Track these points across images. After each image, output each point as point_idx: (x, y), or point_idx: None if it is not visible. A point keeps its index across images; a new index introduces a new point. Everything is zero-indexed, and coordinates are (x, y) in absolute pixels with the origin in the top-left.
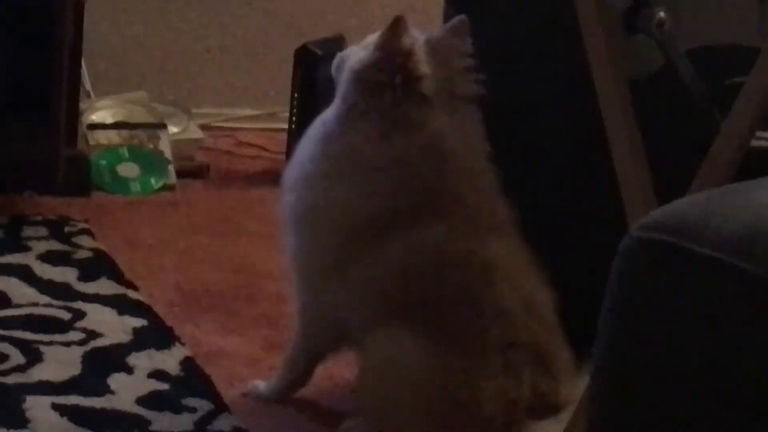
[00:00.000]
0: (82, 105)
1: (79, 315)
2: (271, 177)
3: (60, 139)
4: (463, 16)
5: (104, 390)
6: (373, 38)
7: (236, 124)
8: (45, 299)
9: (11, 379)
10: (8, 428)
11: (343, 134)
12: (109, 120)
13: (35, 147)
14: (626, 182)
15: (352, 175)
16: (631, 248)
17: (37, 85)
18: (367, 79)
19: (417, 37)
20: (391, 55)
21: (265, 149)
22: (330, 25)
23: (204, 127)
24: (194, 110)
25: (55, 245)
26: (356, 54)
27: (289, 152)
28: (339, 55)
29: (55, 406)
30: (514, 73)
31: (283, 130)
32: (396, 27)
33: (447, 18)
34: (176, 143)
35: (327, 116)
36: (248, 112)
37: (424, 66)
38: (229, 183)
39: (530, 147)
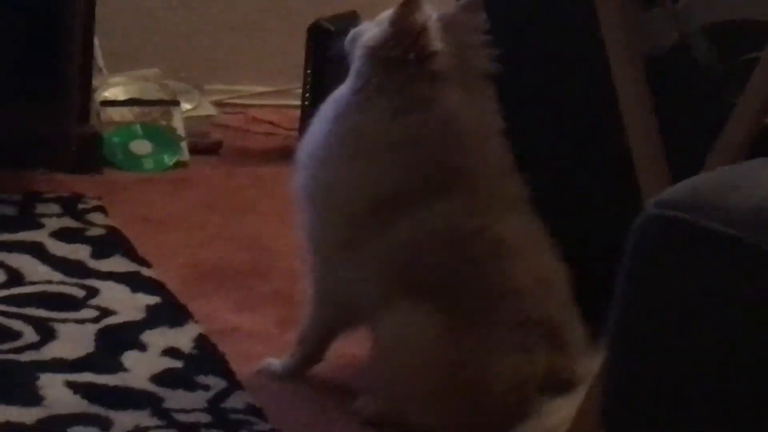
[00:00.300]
0: (95, 82)
1: (93, 292)
2: (284, 154)
3: (72, 116)
4: (477, 5)
5: (117, 368)
6: (386, 15)
7: (249, 101)
8: (58, 276)
9: (25, 357)
10: (22, 405)
11: (356, 112)
12: (122, 97)
13: (48, 124)
14: (640, 159)
15: (366, 152)
16: (646, 225)
17: (50, 62)
18: (380, 56)
19: (430, 13)
20: (405, 32)
21: (278, 126)
22: (343, 0)
23: (217, 104)
24: (207, 87)
25: (68, 222)
26: (370, 30)
27: (301, 129)
28: (352, 32)
29: (69, 384)
30: (527, 48)
31: (296, 106)
32: (409, 4)
33: None
34: (189, 120)
35: (340, 93)
36: (261, 88)
37: (437, 43)
38: (242, 160)
39: (544, 123)
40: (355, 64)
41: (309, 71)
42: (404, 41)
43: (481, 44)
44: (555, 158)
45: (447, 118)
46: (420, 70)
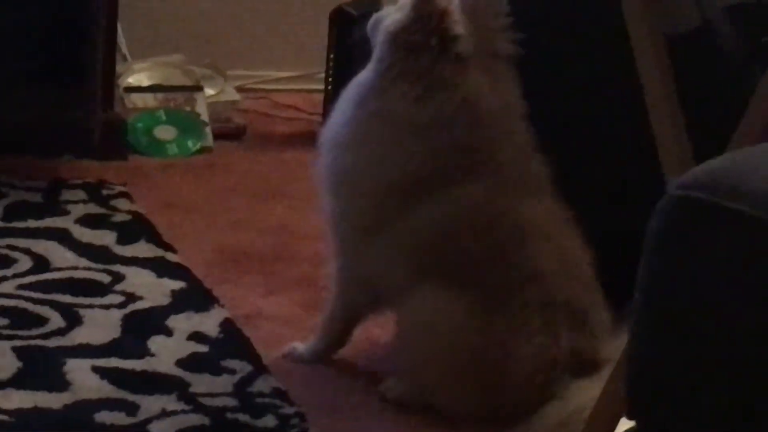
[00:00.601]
0: (119, 68)
1: (119, 278)
2: (308, 138)
3: (97, 103)
4: None
5: (144, 352)
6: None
7: (272, 86)
8: (84, 262)
9: (52, 343)
10: (49, 391)
11: (378, 96)
12: (146, 83)
13: (72, 111)
14: (663, 140)
15: (388, 136)
16: (669, 206)
17: (74, 48)
18: (402, 40)
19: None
20: (426, 16)
21: (302, 110)
22: None
23: (240, 89)
24: (230, 72)
25: (93, 208)
26: (391, 15)
27: (325, 113)
28: (374, 16)
29: (96, 369)
30: (549, 31)
31: (319, 91)
32: None
33: None
34: (213, 105)
35: (362, 78)
36: (284, 73)
37: (459, 26)
38: (265, 145)
39: (566, 105)
40: (377, 49)
41: (332, 56)
42: (426, 25)
43: (503, 27)
44: (578, 140)
45: (470, 101)
46: (442, 53)
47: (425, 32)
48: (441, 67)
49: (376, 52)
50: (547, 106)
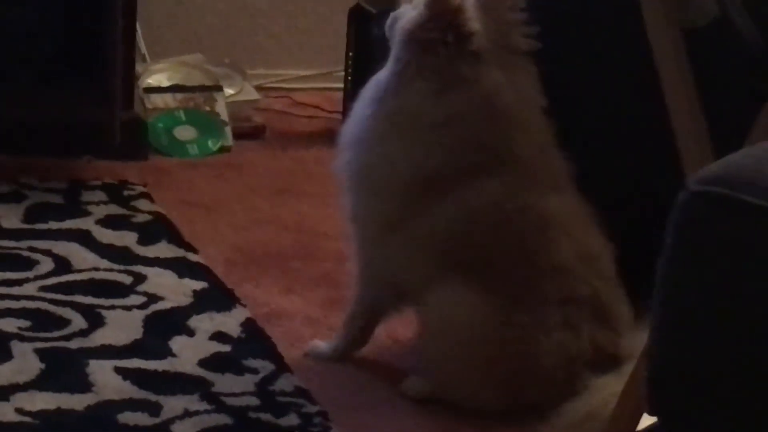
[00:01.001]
0: (138, 68)
1: (140, 278)
2: (328, 137)
3: (117, 104)
4: None
5: (166, 353)
6: None
7: (292, 85)
8: (105, 263)
9: (74, 344)
10: (72, 392)
11: (397, 93)
12: (165, 83)
13: (92, 111)
14: (682, 135)
15: (408, 133)
16: (689, 201)
17: (93, 49)
18: (418, 38)
19: None
20: (441, 13)
21: (321, 109)
22: None
23: (260, 88)
24: (250, 71)
25: (114, 209)
26: (408, 13)
27: (344, 111)
28: (392, 14)
29: (118, 370)
30: (567, 25)
31: (338, 89)
32: None
33: None
34: (232, 105)
35: (381, 76)
36: (303, 72)
37: (474, 22)
38: (285, 143)
39: (585, 99)
40: (394, 47)
41: (351, 54)
42: (441, 23)
43: (519, 22)
44: (597, 134)
45: (487, 97)
46: (458, 50)
47: (440, 29)
48: (457, 63)
49: (393, 51)
50: (567, 101)
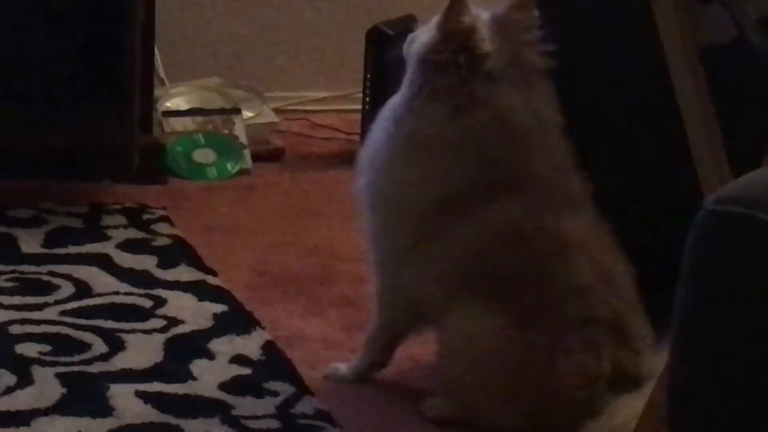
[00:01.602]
0: (157, 92)
1: (160, 302)
2: (346, 158)
3: (135, 128)
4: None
5: (187, 376)
6: (437, 19)
7: (310, 107)
8: (125, 287)
9: (94, 368)
10: (93, 417)
11: (412, 116)
12: (184, 106)
13: (111, 135)
14: (700, 154)
15: (424, 155)
16: (707, 221)
17: (111, 73)
18: (431, 60)
19: (479, 15)
20: (453, 35)
21: (339, 131)
22: (401, 3)
23: (278, 111)
24: (268, 94)
25: (133, 233)
26: (422, 35)
27: (363, 133)
28: (410, 36)
29: (139, 394)
30: (583, 43)
31: (356, 110)
32: (455, 7)
33: None
34: (251, 127)
35: (396, 99)
36: (321, 94)
37: (487, 44)
38: (304, 165)
39: (603, 118)
40: (409, 70)
41: (368, 75)
42: (453, 44)
43: (535, 41)
44: (616, 153)
45: (502, 118)
46: (471, 71)
47: (452, 51)
48: (471, 84)
49: (408, 73)
50: (584, 119)
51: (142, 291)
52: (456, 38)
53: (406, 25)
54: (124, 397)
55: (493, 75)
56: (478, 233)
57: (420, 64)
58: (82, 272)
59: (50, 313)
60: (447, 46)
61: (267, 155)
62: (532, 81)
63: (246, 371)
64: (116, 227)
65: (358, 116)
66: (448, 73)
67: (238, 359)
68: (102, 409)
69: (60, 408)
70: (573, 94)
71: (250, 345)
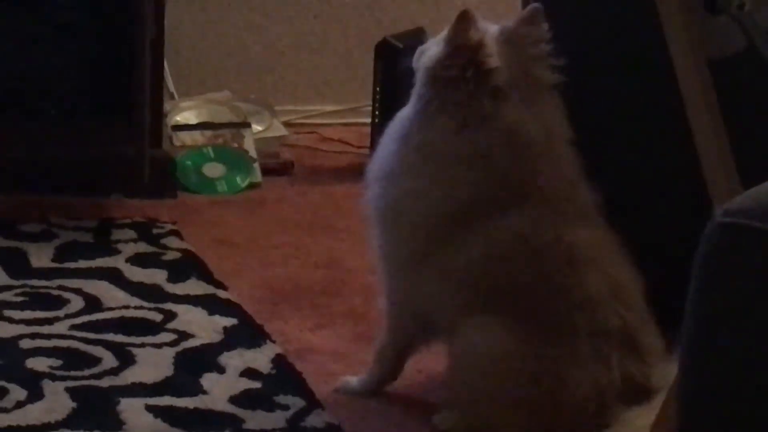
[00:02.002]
0: (166, 106)
1: (170, 316)
2: (356, 171)
3: (145, 141)
4: (537, 4)
5: (197, 390)
6: (445, 33)
7: (319, 120)
8: (136, 301)
9: (105, 382)
10: (103, 431)
11: (420, 129)
12: (194, 120)
13: (121, 149)
14: (710, 166)
15: (433, 168)
16: (716, 233)
17: (121, 87)
18: (438, 75)
19: (487, 29)
20: (460, 50)
21: (349, 144)
22: (410, 16)
23: (288, 124)
24: (277, 107)
25: (143, 247)
26: (431, 49)
27: (372, 146)
28: (419, 49)
29: (149, 408)
30: (593, 57)
31: (366, 124)
32: (462, 21)
33: (525, 6)
34: (261, 141)
35: (405, 113)
36: (331, 107)
37: (494, 59)
38: (314, 179)
39: (614, 130)
40: (417, 84)
41: (378, 88)
42: (460, 59)
43: (544, 55)
44: (626, 165)
45: (511, 132)
46: (479, 86)
47: (460, 66)
48: (478, 99)
49: (416, 87)
50: (594, 132)
51: (152, 305)
52: (464, 53)
53: (415, 37)
54: (134, 411)
55: (502, 89)
56: (488, 246)
57: (428, 78)
58: (92, 286)
59: (60, 328)
60: (455, 61)
61: (276, 169)
62: (541, 95)
63: (256, 385)
64: (126, 241)
65: (368, 129)
66: (457, 87)
67: (249, 373)
68: (112, 423)
69: (70, 422)
70: (582, 107)
71: (261, 358)
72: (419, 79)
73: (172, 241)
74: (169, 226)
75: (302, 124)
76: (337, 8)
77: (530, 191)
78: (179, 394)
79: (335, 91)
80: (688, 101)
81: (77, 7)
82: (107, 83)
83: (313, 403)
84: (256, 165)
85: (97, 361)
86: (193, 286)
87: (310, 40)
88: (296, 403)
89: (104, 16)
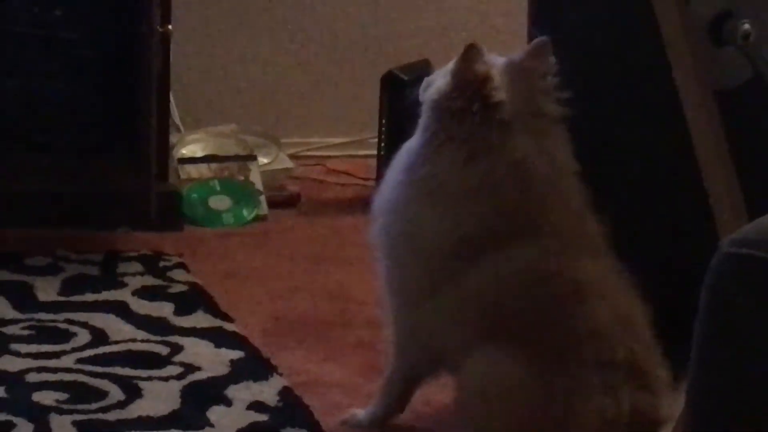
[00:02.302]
0: (172, 139)
1: (177, 349)
2: (362, 203)
3: (151, 175)
4: (544, 38)
5: (204, 423)
6: (452, 65)
7: (325, 152)
8: (142, 335)
9: (112, 416)
10: None
11: (426, 162)
12: (200, 153)
13: (127, 183)
14: (716, 197)
15: (439, 201)
16: (722, 263)
17: (127, 121)
18: (445, 107)
19: (494, 62)
20: (467, 83)
21: (355, 176)
22: (416, 48)
23: (294, 157)
24: (283, 140)
25: (150, 280)
26: (437, 81)
27: (378, 178)
28: (425, 80)
29: None
30: (599, 89)
31: (372, 156)
32: (468, 55)
33: (531, 38)
34: (267, 174)
35: (410, 145)
36: (337, 139)
37: (501, 92)
38: (320, 211)
39: (618, 163)
40: (423, 116)
41: (383, 120)
42: (467, 92)
43: (550, 88)
44: (633, 197)
45: (517, 164)
46: (485, 119)
47: (466, 99)
48: (485, 132)
49: (422, 119)
50: (601, 164)
51: (158, 338)
52: (470, 86)
53: (421, 69)
54: None
55: (508, 122)
56: (495, 278)
57: (434, 110)
58: (99, 320)
59: (67, 361)
60: (461, 94)
61: (283, 201)
62: (547, 128)
63: (263, 418)
64: (133, 274)
65: (374, 161)
66: (463, 120)
67: (256, 406)
68: None
69: None
70: (590, 139)
71: (268, 391)
72: (425, 111)
73: (179, 274)
74: (176, 259)
75: (308, 157)
76: (342, 41)
77: (537, 224)
78: (186, 428)
79: (341, 124)
80: (694, 132)
81: (83, 42)
82: (114, 117)
83: None
84: (263, 198)
85: (104, 394)
86: (200, 319)
87: (316, 72)
88: None
89: (110, 50)
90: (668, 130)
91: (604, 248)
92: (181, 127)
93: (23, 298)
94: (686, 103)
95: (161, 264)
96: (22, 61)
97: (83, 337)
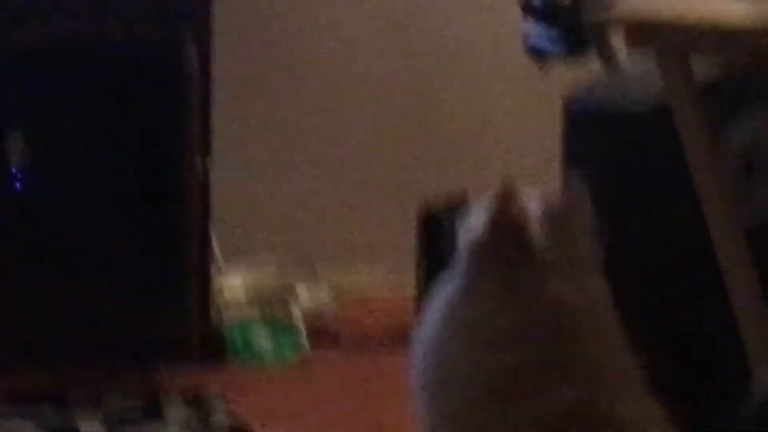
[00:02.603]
0: (214, 278)
1: None
2: (401, 341)
3: (193, 313)
4: (581, 185)
5: None
6: (488, 204)
7: (365, 289)
8: None
9: None
10: None
11: (464, 304)
12: (240, 291)
13: (170, 322)
14: (749, 334)
15: (477, 342)
16: (759, 414)
17: (169, 261)
18: (481, 250)
19: (530, 204)
20: (503, 228)
21: (394, 311)
22: (452, 179)
23: (333, 291)
24: (323, 276)
25: (192, 418)
26: (474, 220)
27: (417, 315)
28: (462, 214)
29: None
30: (634, 232)
31: (410, 293)
32: (505, 198)
33: (565, 176)
34: (307, 310)
35: (449, 284)
36: (376, 275)
37: (537, 237)
38: (360, 348)
39: (653, 301)
40: (459, 256)
41: (421, 257)
42: (503, 235)
43: (588, 231)
44: (670, 336)
45: (553, 309)
46: (521, 264)
47: (503, 242)
48: (521, 276)
49: (458, 259)
50: (636, 304)
51: None
52: (506, 232)
53: (458, 203)
54: None
55: (545, 267)
56: (535, 420)
57: (471, 252)
58: None
59: None
60: (497, 237)
61: (323, 337)
62: (585, 270)
63: None
64: (175, 413)
65: (412, 298)
66: (499, 263)
67: None
68: None
69: None
70: (627, 281)
71: None
72: (461, 252)
73: (221, 413)
74: (218, 398)
75: (348, 292)
76: (379, 175)
77: (575, 366)
78: None
79: (380, 260)
80: (726, 272)
81: (123, 186)
82: (154, 258)
83: None
84: (303, 334)
85: None
86: None
87: (355, 210)
88: None
89: (150, 189)
90: (702, 268)
91: (643, 386)
92: (221, 262)
93: None
94: (717, 242)
95: (203, 403)
96: (62, 205)
97: None
